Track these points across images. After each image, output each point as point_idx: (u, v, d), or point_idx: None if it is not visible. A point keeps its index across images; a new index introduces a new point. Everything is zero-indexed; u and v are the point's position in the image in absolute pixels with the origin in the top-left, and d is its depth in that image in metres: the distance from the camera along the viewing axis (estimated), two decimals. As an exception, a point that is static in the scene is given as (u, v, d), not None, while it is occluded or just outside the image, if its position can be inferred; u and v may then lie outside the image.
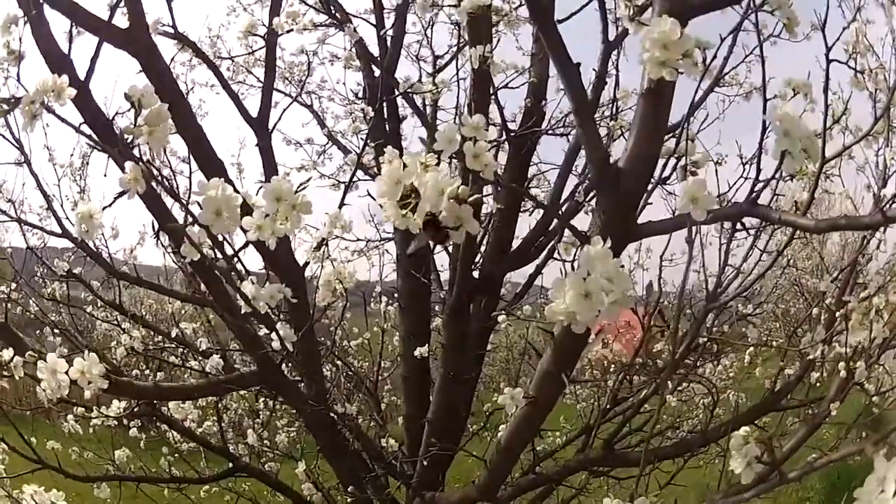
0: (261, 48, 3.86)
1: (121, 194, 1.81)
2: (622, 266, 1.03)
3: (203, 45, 5.35)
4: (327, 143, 5.81)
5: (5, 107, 1.45)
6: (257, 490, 4.98)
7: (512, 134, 3.63)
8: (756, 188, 1.29)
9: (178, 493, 4.80)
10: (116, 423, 6.51)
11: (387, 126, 4.37)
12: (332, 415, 2.66)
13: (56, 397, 1.84)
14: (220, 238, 1.66)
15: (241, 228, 1.33)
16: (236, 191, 1.35)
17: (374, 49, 4.60)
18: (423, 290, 4.18)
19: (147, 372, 5.59)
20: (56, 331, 4.87)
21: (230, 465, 3.71)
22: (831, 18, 2.62)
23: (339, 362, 4.34)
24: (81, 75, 2.29)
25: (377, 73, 4.43)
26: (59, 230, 3.21)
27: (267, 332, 2.15)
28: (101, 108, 2.39)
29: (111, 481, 3.69)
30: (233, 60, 5.24)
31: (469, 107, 3.28)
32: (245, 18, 3.70)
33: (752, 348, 3.67)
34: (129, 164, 1.41)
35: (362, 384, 4.13)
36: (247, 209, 1.35)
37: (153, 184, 1.46)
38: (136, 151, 1.40)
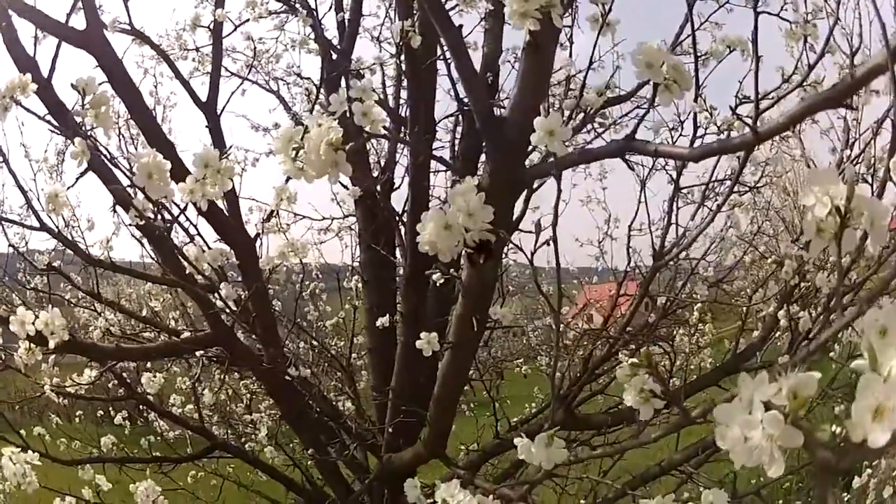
0: (228, 35, 3.96)
1: (82, 174, 1.99)
2: (489, 204, 1.14)
3: (169, 38, 5.43)
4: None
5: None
6: (241, 472, 5.08)
7: (465, 108, 3.74)
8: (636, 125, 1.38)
9: (163, 477, 4.91)
10: (102, 412, 6.61)
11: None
12: (287, 377, 2.78)
13: (31, 361, 2.02)
14: (161, 204, 1.82)
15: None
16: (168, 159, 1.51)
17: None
18: (386, 262, 4.26)
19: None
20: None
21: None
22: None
23: (314, 342, 4.47)
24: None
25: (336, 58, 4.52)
26: (37, 225, 3.32)
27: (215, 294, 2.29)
28: (62, 102, 2.58)
29: (95, 464, 3.76)
30: (198, 51, 5.34)
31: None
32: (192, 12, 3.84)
33: (699, 304, 3.74)
34: (77, 140, 1.58)
35: (336, 361, 4.23)
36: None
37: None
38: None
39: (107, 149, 1.67)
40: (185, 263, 1.96)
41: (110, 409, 6.53)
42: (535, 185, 3.01)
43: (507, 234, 1.31)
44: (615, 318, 4.07)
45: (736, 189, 3.28)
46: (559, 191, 1.33)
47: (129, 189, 1.98)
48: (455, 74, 3.56)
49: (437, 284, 2.26)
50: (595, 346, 3.50)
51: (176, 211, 1.86)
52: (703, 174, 3.39)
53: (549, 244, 1.34)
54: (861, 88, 0.97)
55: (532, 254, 1.36)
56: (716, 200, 3.35)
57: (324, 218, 5.12)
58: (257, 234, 2.62)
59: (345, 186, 4.30)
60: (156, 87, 5.48)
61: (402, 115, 4.24)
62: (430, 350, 2.09)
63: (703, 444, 2.70)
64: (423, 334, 2.11)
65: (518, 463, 3.57)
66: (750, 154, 1.47)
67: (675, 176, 2.71)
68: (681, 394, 1.30)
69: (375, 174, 4.53)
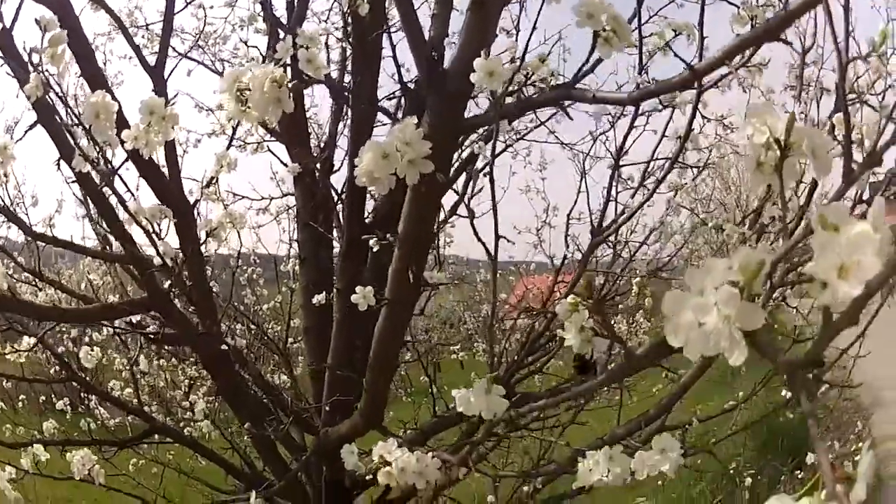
0: (179, 11, 3.95)
1: (31, 126, 2.01)
2: (429, 142, 1.15)
3: (121, 13, 5.38)
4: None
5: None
6: (181, 459, 5.07)
7: (408, 89, 3.74)
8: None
9: (106, 462, 4.87)
10: (44, 398, 6.54)
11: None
12: (224, 347, 2.76)
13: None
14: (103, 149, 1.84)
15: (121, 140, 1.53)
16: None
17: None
18: (324, 239, 4.22)
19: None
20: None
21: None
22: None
23: (251, 325, 4.44)
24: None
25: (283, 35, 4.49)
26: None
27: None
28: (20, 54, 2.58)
29: (36, 445, 3.74)
30: (147, 28, 5.31)
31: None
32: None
33: (639, 279, 3.77)
34: (32, 75, 1.64)
35: (273, 344, 4.21)
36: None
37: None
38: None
39: (61, 96, 1.71)
40: (124, 213, 1.97)
41: (52, 395, 6.51)
42: (480, 167, 3.02)
43: (446, 177, 1.33)
44: (553, 302, 4.09)
45: (677, 166, 3.29)
46: (496, 133, 1.35)
47: (71, 132, 1.97)
48: (400, 59, 3.59)
49: (375, 250, 2.25)
50: (533, 324, 3.51)
51: (117, 163, 1.87)
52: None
53: (484, 189, 1.35)
54: (794, 20, 0.98)
55: (469, 198, 1.38)
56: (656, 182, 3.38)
57: (262, 198, 5.11)
58: (196, 201, 2.63)
59: (284, 164, 4.29)
60: (105, 63, 5.43)
61: (347, 94, 4.23)
62: (366, 304, 2.09)
63: (646, 418, 2.72)
64: (357, 288, 2.11)
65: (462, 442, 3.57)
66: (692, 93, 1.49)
67: (615, 157, 2.75)
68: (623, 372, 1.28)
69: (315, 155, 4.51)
